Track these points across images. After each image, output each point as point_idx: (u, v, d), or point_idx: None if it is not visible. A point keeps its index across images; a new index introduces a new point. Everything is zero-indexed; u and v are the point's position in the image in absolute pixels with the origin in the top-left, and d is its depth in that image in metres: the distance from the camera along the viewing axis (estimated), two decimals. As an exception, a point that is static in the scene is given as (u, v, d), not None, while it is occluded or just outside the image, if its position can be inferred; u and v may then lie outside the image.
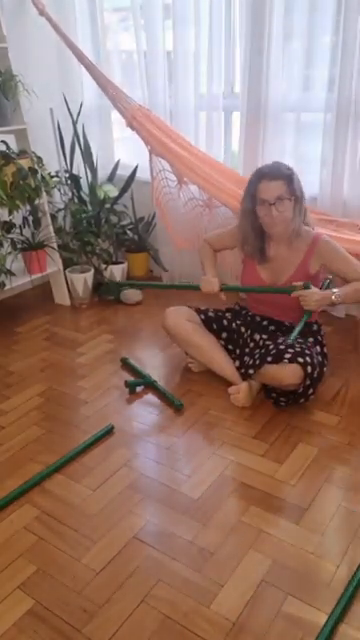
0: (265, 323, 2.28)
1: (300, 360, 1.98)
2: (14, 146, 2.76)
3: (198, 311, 2.38)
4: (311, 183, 2.70)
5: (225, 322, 2.36)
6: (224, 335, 2.35)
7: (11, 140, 2.74)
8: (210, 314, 2.38)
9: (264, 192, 2.03)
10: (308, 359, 2.00)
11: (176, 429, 2.05)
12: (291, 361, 1.99)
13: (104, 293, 3.19)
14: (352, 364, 2.43)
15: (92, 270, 3.14)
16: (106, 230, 3.15)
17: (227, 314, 2.39)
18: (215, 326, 2.35)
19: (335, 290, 2.08)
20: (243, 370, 2.18)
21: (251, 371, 2.12)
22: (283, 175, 2.02)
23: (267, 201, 2.03)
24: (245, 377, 2.18)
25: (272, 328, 2.25)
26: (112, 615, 1.36)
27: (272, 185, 2.02)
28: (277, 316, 2.25)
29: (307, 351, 2.04)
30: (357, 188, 2.58)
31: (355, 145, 2.52)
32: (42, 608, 1.38)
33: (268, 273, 2.23)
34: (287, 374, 1.99)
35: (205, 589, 1.42)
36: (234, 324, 2.33)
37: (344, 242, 2.33)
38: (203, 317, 2.36)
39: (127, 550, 1.54)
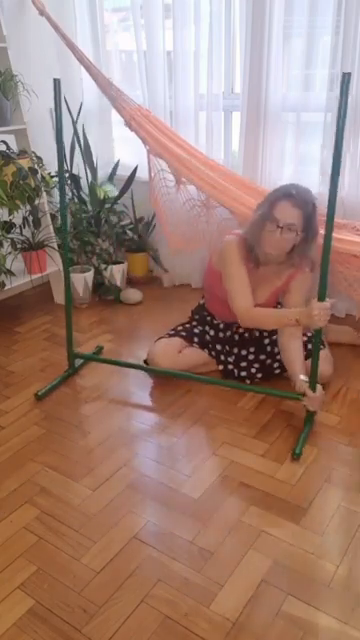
0: (237, 337, 2.32)
1: (322, 346, 2.15)
2: (14, 146, 2.76)
3: (186, 338, 2.35)
4: (311, 183, 2.70)
5: (207, 337, 2.37)
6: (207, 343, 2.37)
7: (11, 140, 2.75)
8: (195, 338, 2.36)
9: (280, 211, 1.93)
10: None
11: (176, 429, 2.05)
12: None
13: (104, 293, 3.19)
14: (352, 364, 2.43)
15: (92, 270, 3.14)
16: (106, 230, 3.15)
17: (195, 330, 2.38)
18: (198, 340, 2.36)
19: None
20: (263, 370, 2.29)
21: (277, 371, 2.28)
22: (305, 208, 1.91)
23: (278, 221, 1.93)
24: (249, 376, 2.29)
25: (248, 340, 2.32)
26: (112, 615, 1.36)
27: (291, 210, 1.92)
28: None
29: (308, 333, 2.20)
30: (357, 188, 2.58)
31: (356, 145, 2.51)
32: (42, 608, 1.38)
33: (253, 286, 2.12)
34: (327, 364, 2.21)
35: (205, 589, 1.42)
36: (207, 336, 2.36)
37: (343, 243, 2.32)
38: (197, 340, 2.35)
39: (127, 550, 1.54)
